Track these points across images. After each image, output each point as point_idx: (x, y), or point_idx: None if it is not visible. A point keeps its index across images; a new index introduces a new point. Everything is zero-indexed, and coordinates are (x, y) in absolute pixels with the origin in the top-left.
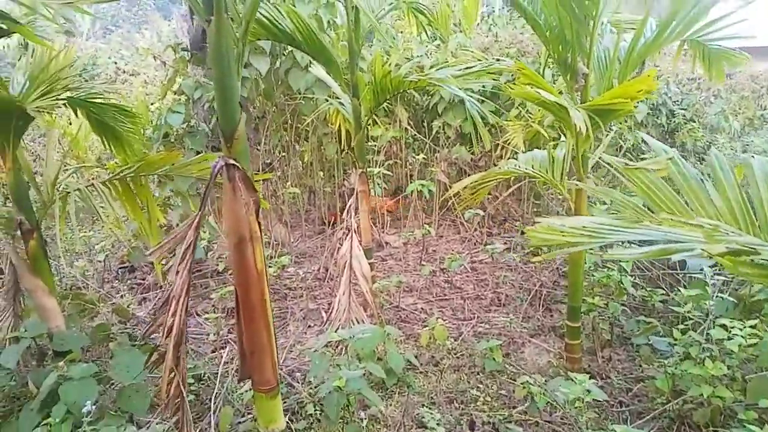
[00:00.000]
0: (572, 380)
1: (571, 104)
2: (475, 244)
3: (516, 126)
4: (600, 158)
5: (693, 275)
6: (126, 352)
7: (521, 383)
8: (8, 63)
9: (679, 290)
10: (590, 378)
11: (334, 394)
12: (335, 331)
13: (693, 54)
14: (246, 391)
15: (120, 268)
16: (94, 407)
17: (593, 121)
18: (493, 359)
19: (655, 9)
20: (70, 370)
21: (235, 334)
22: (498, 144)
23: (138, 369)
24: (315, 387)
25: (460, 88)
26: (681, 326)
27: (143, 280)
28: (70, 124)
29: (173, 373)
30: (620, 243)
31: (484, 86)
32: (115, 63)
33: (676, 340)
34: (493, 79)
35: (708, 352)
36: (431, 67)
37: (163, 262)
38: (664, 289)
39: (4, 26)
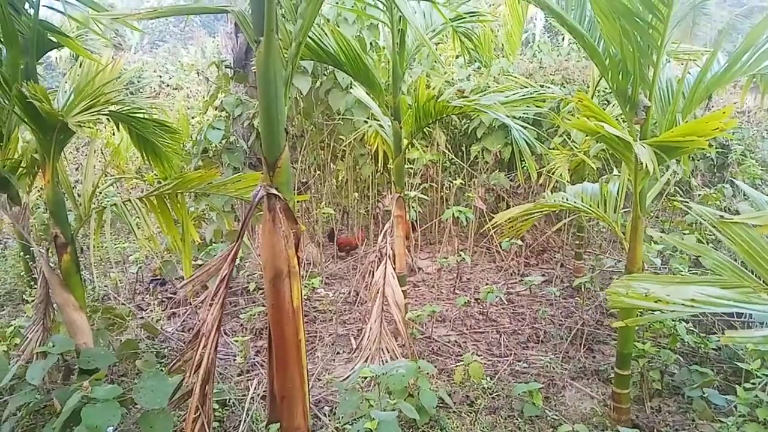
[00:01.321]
0: None
1: (633, 139)
2: (511, 274)
3: (561, 155)
4: (689, 207)
5: (751, 323)
6: (152, 376)
7: None
8: (60, 73)
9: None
10: (639, 431)
11: None
12: (365, 361)
13: (763, 88)
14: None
15: (152, 280)
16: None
17: (658, 158)
18: (533, 404)
19: (701, 38)
20: (94, 390)
21: (263, 356)
22: (539, 172)
23: (163, 394)
24: (343, 425)
25: (507, 116)
26: (747, 384)
27: (174, 294)
28: (113, 134)
29: (198, 413)
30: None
31: (526, 113)
32: (160, 77)
33: (739, 398)
34: (537, 107)
35: None
36: (472, 91)
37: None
38: (718, 335)
39: (54, 39)
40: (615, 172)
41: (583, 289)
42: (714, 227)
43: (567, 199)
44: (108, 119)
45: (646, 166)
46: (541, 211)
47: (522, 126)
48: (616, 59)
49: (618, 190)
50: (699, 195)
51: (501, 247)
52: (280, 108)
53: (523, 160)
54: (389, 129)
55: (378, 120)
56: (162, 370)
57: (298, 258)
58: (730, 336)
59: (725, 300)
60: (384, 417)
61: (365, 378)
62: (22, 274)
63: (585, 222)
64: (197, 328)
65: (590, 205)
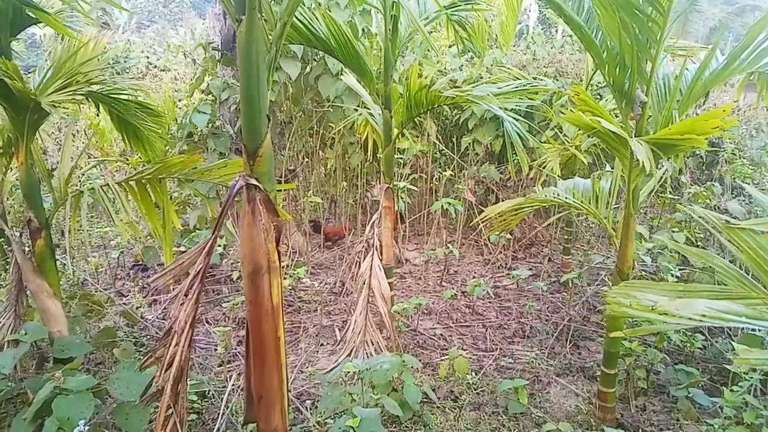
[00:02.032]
0: None
1: (630, 136)
2: (499, 267)
3: (553, 149)
4: (691, 210)
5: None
6: (127, 367)
7: None
8: (45, 51)
9: (724, 340)
10: (624, 430)
11: None
12: (349, 354)
13: (760, 86)
14: None
15: (133, 266)
16: (87, 428)
17: (654, 155)
18: (518, 401)
19: (692, 35)
20: (67, 381)
21: (244, 347)
22: (530, 166)
23: (138, 385)
24: (324, 419)
25: (500, 107)
26: (736, 387)
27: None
28: (98, 115)
29: (170, 411)
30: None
31: (518, 105)
32: (147, 57)
33: (726, 400)
34: (530, 99)
35: (764, 419)
36: (464, 81)
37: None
38: (704, 334)
39: (31, 14)
40: (607, 167)
41: (570, 285)
42: (719, 232)
43: (558, 195)
44: (87, 99)
45: (642, 164)
46: (532, 206)
47: (514, 118)
48: (613, 52)
49: (610, 187)
50: (690, 192)
51: (489, 240)
52: (263, 93)
53: (515, 153)
54: (379, 118)
55: (368, 108)
56: (140, 359)
57: (278, 253)
58: (744, 358)
59: (736, 315)
60: (367, 414)
61: (348, 372)
62: None
63: (574, 217)
64: (169, 324)
65: (582, 202)
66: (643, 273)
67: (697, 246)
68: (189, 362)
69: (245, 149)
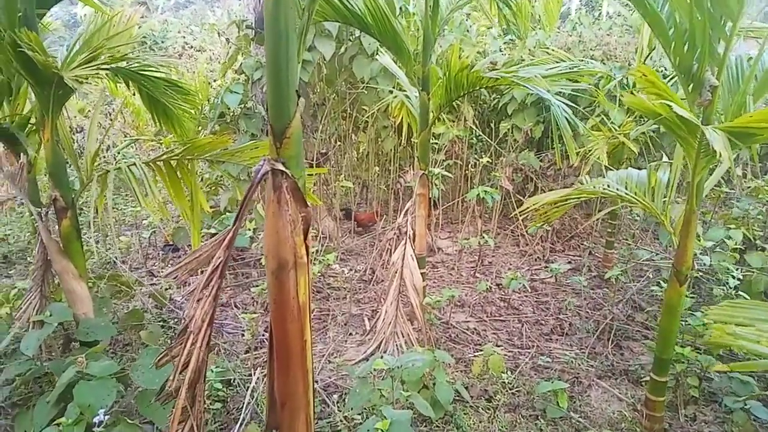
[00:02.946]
0: None
1: (699, 122)
2: (536, 259)
3: (601, 136)
4: None
5: None
6: (151, 353)
7: None
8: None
9: None
10: None
11: None
12: (378, 346)
13: None
14: None
15: (164, 246)
16: (107, 417)
17: (731, 145)
18: (557, 404)
19: (747, 16)
20: (90, 366)
21: (267, 349)
22: (576, 153)
23: (162, 375)
24: (351, 415)
25: (548, 91)
26: None
27: None
28: (134, 94)
29: (187, 414)
30: None
31: (563, 89)
32: (184, 38)
33: None
34: (576, 82)
35: None
36: (504, 64)
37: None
38: None
39: None
40: (664, 158)
41: (614, 281)
42: None
43: (609, 186)
44: (116, 75)
45: (719, 154)
46: (579, 197)
47: (564, 103)
48: (681, 29)
49: (669, 179)
50: (748, 187)
51: (527, 231)
52: (292, 66)
53: (561, 140)
54: (416, 100)
55: (404, 90)
56: (167, 343)
57: (306, 246)
58: None
59: None
60: (397, 416)
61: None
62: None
63: (619, 209)
64: (184, 324)
65: (635, 194)
66: (700, 273)
67: (755, 245)
68: (206, 364)
69: (271, 130)
